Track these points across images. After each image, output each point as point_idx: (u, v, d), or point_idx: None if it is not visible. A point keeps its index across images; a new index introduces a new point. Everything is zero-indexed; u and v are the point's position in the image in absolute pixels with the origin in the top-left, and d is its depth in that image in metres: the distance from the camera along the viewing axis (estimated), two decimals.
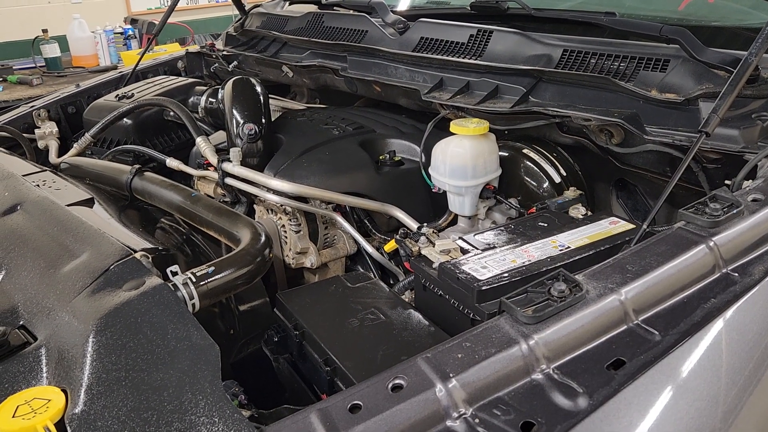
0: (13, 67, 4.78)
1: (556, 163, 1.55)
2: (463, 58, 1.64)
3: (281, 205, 1.53)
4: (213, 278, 1.02)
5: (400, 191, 1.63)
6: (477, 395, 0.79)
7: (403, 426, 0.75)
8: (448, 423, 0.76)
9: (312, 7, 2.26)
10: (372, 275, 1.48)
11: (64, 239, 1.07)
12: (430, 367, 0.81)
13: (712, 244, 0.98)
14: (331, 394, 0.94)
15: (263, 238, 1.15)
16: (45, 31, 4.74)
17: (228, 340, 1.28)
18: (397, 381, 0.80)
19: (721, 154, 1.28)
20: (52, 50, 4.75)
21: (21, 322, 0.95)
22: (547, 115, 1.46)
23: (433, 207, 1.65)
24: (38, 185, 1.30)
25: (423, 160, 1.61)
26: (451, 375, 0.79)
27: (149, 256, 1.00)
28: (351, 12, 2.09)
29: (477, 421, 0.77)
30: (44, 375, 0.85)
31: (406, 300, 1.23)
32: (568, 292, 0.89)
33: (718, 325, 0.88)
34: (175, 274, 1.00)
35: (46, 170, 1.43)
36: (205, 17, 6.38)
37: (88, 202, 1.25)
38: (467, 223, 1.51)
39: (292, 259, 1.55)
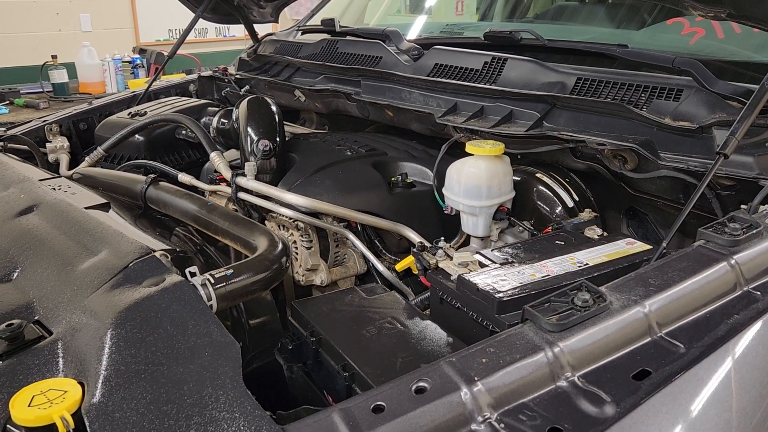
0: (21, 91, 4.82)
1: (569, 188, 1.55)
2: (478, 83, 1.66)
3: (293, 221, 1.53)
4: (231, 281, 1.01)
5: (412, 213, 1.63)
6: (502, 400, 0.78)
7: (427, 428, 0.73)
8: (473, 427, 0.75)
9: (325, 36, 2.30)
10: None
11: (81, 238, 1.06)
12: (455, 370, 0.80)
13: (733, 262, 0.98)
14: None
15: (281, 246, 1.14)
16: (54, 57, 4.80)
17: None
18: (420, 383, 0.78)
19: (736, 181, 1.29)
20: (60, 75, 4.81)
21: (36, 317, 0.93)
22: (561, 139, 1.47)
23: (443, 230, 1.65)
24: (54, 189, 1.29)
25: (435, 182, 1.61)
26: (476, 379, 0.78)
27: (168, 255, 1.00)
28: (365, 39, 2.12)
29: (502, 425, 0.75)
30: (60, 368, 0.83)
31: None
32: (592, 302, 0.88)
33: (743, 340, 0.88)
34: (193, 275, 0.99)
35: (61, 177, 1.42)
36: (213, 50, 6.47)
37: (105, 206, 1.24)
38: (480, 244, 1.50)
39: (302, 276, 1.54)
